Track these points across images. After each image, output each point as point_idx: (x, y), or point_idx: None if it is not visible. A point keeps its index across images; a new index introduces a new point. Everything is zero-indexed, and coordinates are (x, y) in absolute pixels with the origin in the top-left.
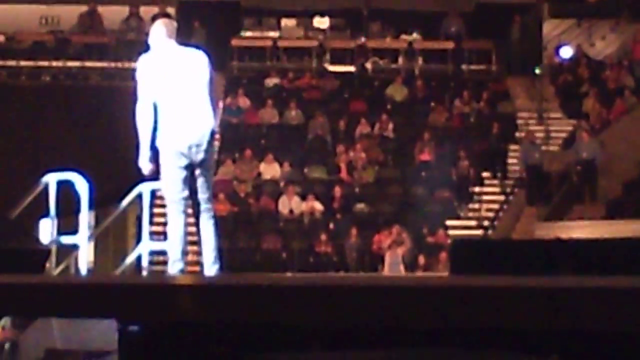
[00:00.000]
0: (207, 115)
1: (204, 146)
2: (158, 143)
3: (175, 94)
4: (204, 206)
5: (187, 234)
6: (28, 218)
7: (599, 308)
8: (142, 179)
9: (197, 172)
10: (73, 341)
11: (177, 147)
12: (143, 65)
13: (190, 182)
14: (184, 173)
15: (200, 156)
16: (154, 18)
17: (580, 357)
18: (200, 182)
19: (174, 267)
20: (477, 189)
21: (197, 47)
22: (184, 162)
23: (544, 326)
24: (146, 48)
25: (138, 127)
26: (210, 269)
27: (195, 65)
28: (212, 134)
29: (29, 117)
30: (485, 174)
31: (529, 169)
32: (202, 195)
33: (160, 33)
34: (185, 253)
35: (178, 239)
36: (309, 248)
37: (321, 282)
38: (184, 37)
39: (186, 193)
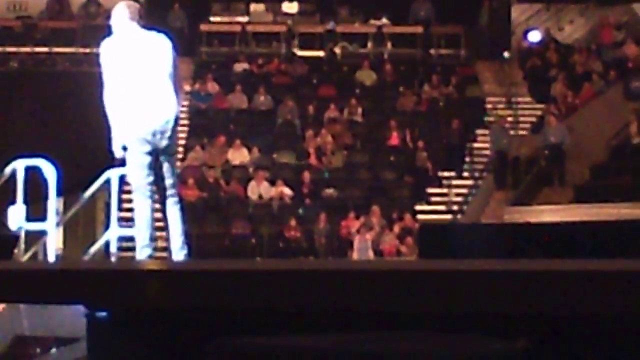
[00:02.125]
0: (170, 101)
1: (168, 133)
2: (122, 129)
3: (137, 79)
4: (169, 192)
5: (154, 219)
6: None
7: (567, 291)
8: (111, 164)
9: (162, 158)
10: (41, 327)
11: (141, 134)
12: (106, 50)
13: (155, 168)
14: (148, 158)
15: (164, 142)
16: None
17: (548, 341)
18: (165, 168)
19: (142, 253)
20: (445, 174)
21: (165, 32)
22: (148, 148)
23: (513, 310)
24: (111, 32)
25: (108, 113)
26: (178, 254)
27: (158, 49)
28: (176, 120)
29: None
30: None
31: (497, 153)
32: (168, 181)
33: (122, 15)
34: (153, 239)
35: (145, 224)
36: (278, 233)
37: (290, 267)
38: (159, 20)
39: (151, 178)
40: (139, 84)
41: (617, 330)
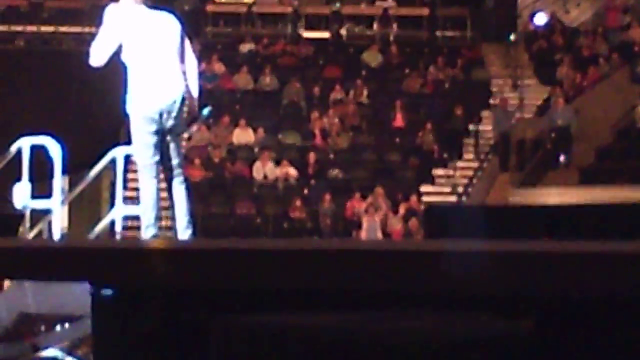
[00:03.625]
0: (178, 80)
1: (175, 112)
2: (128, 108)
3: (145, 58)
4: (175, 171)
5: (160, 199)
6: (1, 182)
7: (572, 273)
8: (117, 143)
9: (168, 137)
10: (46, 305)
11: (147, 113)
12: (112, 14)
13: (161, 148)
14: (154, 138)
15: (170, 122)
16: None
17: (553, 323)
18: (171, 147)
19: (147, 232)
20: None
21: (172, 12)
22: (154, 127)
23: (517, 291)
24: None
25: (94, 57)
26: (183, 234)
27: (166, 29)
28: (183, 100)
29: (2, 81)
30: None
31: (501, 136)
32: (174, 160)
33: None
34: (158, 218)
35: (151, 204)
36: (283, 213)
37: (295, 246)
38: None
39: (157, 157)
40: (148, 62)
41: (621, 313)
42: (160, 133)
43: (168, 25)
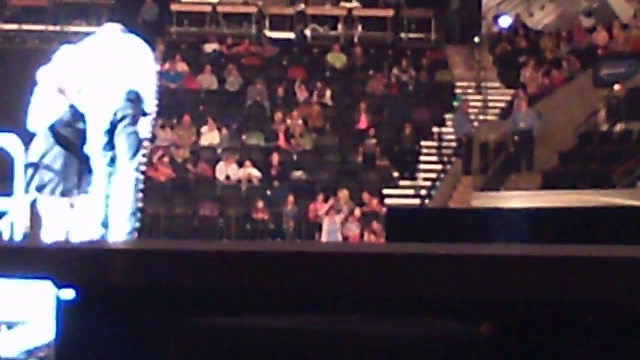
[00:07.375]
0: (127, 84)
1: (121, 105)
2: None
3: (102, 76)
4: (125, 164)
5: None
6: None
7: (533, 276)
8: None
9: (122, 124)
10: (8, 306)
11: (101, 116)
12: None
13: (114, 141)
14: (106, 138)
15: (120, 114)
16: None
17: (513, 326)
18: (123, 136)
19: (98, 231)
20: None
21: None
22: (107, 127)
23: (478, 294)
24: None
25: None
26: (124, 225)
27: (129, 50)
28: (136, 94)
29: None
30: (423, 143)
31: (463, 138)
32: (126, 152)
33: (113, 30)
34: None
35: (102, 204)
36: (246, 215)
37: (257, 248)
38: (133, 10)
39: (108, 159)
40: (102, 79)
41: (580, 316)
42: (112, 133)
43: (132, 46)
